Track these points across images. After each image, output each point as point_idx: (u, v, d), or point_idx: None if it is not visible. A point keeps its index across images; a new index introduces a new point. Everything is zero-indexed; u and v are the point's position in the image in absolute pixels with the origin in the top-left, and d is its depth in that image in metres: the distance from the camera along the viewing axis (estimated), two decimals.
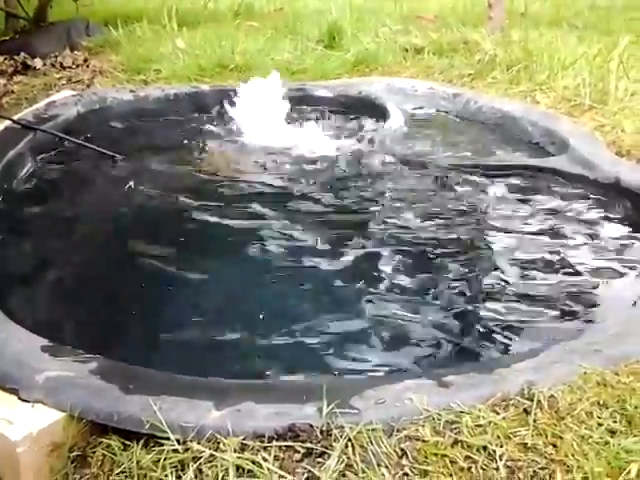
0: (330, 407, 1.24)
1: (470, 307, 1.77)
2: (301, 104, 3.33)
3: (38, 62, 4.05)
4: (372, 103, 3.35)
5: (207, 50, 3.92)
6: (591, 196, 2.41)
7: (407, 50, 4.11)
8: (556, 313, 1.73)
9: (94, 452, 1.26)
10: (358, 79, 3.71)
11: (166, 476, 1.17)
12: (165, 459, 1.19)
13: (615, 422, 1.22)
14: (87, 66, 3.99)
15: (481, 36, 4.03)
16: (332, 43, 4.20)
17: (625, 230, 2.18)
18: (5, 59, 4.09)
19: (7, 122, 2.75)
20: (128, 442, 1.24)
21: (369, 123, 3.20)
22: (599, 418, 1.23)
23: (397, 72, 3.88)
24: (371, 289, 1.84)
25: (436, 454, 1.17)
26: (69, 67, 4.01)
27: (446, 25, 4.66)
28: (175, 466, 1.18)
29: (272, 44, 4.19)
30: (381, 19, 4.96)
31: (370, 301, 1.78)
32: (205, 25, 4.69)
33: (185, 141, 2.96)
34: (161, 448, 1.21)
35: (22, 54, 4.11)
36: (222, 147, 2.91)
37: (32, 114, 2.89)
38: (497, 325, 1.69)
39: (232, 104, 3.12)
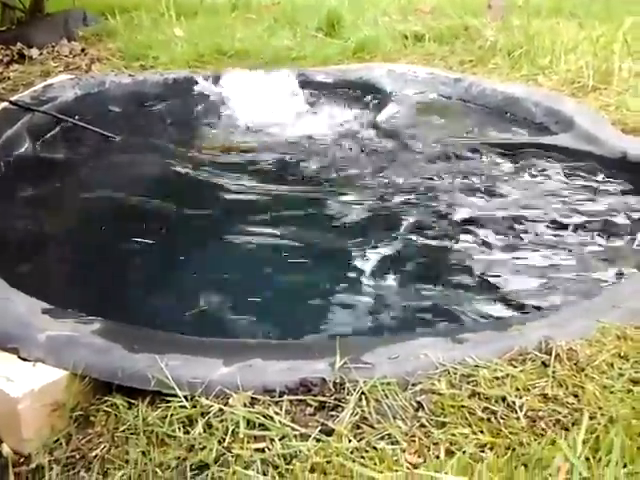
0: (342, 362, 1.20)
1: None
2: (301, 89, 3.29)
3: (34, 52, 4.00)
4: (372, 88, 3.32)
5: (205, 38, 3.88)
6: (598, 171, 2.38)
7: (407, 37, 4.08)
8: (572, 276, 1.70)
9: (97, 412, 1.21)
10: (358, 65, 3.67)
11: (173, 431, 1.13)
12: (172, 415, 1.15)
13: (637, 372, 1.18)
14: (85, 55, 3.95)
15: (481, 23, 4.01)
16: (331, 31, 4.16)
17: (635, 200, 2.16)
18: (1, 49, 4.05)
19: (4, 104, 2.71)
20: (133, 401, 1.20)
21: (369, 107, 3.17)
22: (620, 369, 1.19)
23: (397, 59, 3.84)
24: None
25: (453, 406, 1.13)
26: (66, 56, 3.97)
27: (444, 16, 4.63)
28: (183, 421, 1.14)
29: (271, 32, 4.15)
30: (379, 11, 4.92)
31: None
32: (203, 16, 4.66)
33: (184, 123, 2.93)
34: (168, 405, 1.17)
35: (18, 44, 4.06)
36: (220, 128, 2.88)
37: (29, 96, 2.85)
38: (517, 285, 1.66)
39: (228, 87, 3.10)
